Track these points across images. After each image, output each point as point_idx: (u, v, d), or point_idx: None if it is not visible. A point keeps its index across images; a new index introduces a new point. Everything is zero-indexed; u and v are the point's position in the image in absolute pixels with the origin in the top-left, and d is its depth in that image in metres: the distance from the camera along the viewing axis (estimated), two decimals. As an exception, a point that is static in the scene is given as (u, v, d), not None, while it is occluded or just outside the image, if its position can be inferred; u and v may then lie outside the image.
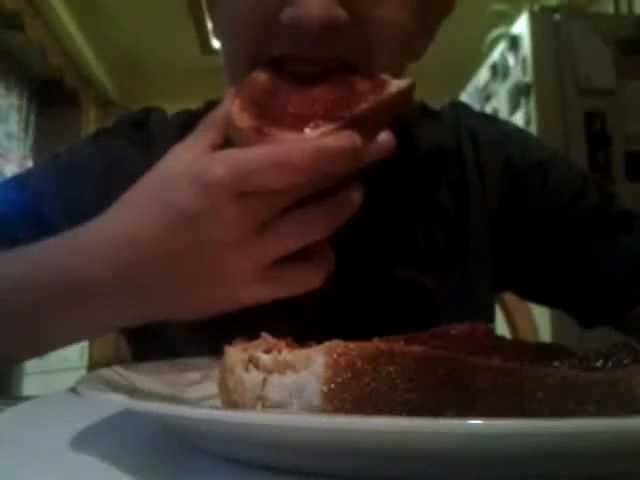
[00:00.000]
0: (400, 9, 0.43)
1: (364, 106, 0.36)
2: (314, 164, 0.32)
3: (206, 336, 0.43)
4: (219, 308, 0.37)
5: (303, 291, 0.36)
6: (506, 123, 0.66)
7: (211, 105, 0.47)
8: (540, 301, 0.62)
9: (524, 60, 2.19)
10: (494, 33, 2.45)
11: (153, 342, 0.54)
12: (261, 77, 0.39)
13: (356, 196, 0.35)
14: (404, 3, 0.43)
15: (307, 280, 0.36)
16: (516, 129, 0.65)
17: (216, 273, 0.34)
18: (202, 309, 0.37)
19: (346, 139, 0.33)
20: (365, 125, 0.35)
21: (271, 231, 0.34)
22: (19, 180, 0.56)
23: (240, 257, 0.34)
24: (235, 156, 0.33)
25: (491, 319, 0.61)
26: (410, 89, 0.39)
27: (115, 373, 0.32)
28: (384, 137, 0.35)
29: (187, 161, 0.34)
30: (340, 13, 0.39)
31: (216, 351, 0.29)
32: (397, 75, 0.43)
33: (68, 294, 0.36)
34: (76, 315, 0.37)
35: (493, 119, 0.66)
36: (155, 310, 0.37)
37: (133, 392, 0.29)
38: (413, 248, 0.53)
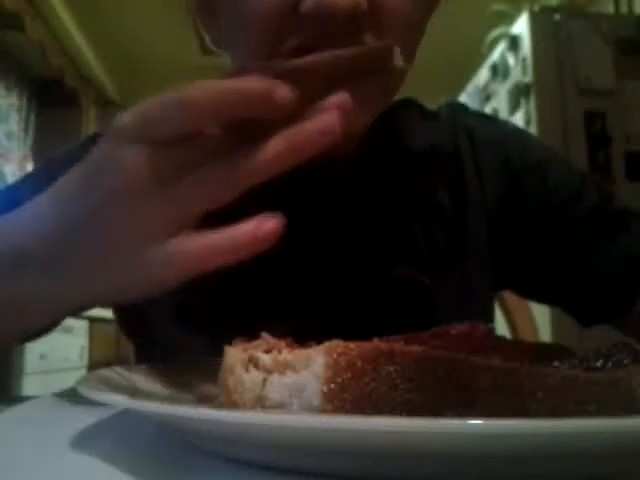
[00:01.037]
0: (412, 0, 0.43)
1: (309, 59, 0.33)
2: (218, 104, 0.30)
3: (206, 336, 0.43)
4: (134, 279, 0.32)
5: (210, 267, 0.30)
6: (505, 123, 0.66)
7: None
8: (539, 299, 0.62)
9: (524, 60, 2.19)
10: (494, 33, 2.45)
11: (154, 343, 0.54)
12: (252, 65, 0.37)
13: (275, 145, 0.30)
14: None
15: (215, 252, 0.30)
16: (515, 129, 0.65)
17: (122, 229, 0.31)
18: (121, 280, 0.33)
19: (256, 82, 0.30)
20: (316, 84, 0.31)
21: (180, 184, 0.31)
22: (15, 187, 0.56)
23: (145, 211, 0.31)
24: (146, 102, 0.32)
25: (491, 319, 0.62)
26: (382, 52, 0.34)
27: (115, 373, 0.32)
28: (337, 97, 0.31)
29: None
30: (362, 1, 0.40)
31: (216, 351, 0.29)
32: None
33: (7, 270, 0.34)
34: (18, 296, 0.35)
35: (492, 119, 0.66)
36: (84, 283, 0.34)
37: (133, 392, 0.29)
38: (412, 248, 0.53)
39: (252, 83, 0.30)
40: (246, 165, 0.30)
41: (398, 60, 0.34)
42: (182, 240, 0.31)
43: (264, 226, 0.29)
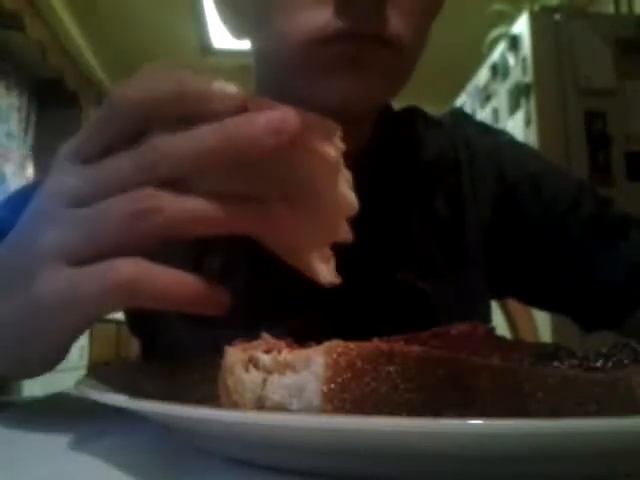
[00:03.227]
0: None
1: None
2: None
3: (207, 336, 0.43)
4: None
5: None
6: (503, 134, 0.66)
7: None
8: (541, 307, 0.62)
9: (524, 60, 2.19)
10: (494, 33, 2.45)
11: (159, 343, 0.54)
12: None
13: (206, 137, 0.26)
14: None
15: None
16: (512, 141, 0.65)
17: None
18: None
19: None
20: None
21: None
22: (20, 193, 0.56)
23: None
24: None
25: (488, 322, 0.62)
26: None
27: (115, 373, 0.32)
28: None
29: None
30: None
31: (217, 351, 0.29)
32: (418, 53, 0.43)
33: None
34: None
35: (491, 129, 0.66)
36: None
37: (133, 392, 0.29)
38: (411, 253, 0.54)
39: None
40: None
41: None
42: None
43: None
